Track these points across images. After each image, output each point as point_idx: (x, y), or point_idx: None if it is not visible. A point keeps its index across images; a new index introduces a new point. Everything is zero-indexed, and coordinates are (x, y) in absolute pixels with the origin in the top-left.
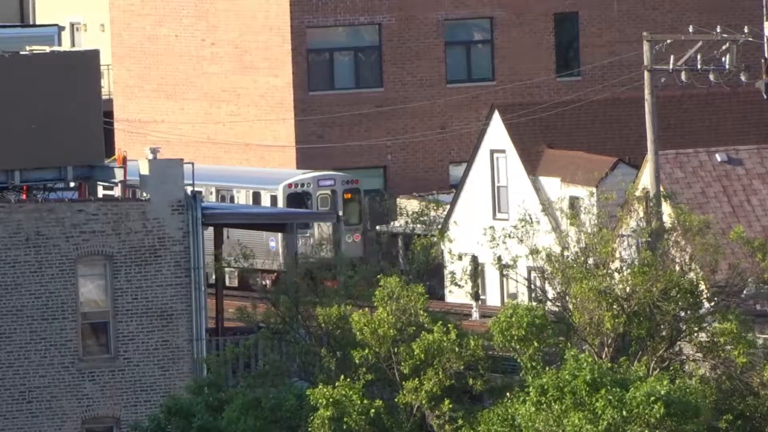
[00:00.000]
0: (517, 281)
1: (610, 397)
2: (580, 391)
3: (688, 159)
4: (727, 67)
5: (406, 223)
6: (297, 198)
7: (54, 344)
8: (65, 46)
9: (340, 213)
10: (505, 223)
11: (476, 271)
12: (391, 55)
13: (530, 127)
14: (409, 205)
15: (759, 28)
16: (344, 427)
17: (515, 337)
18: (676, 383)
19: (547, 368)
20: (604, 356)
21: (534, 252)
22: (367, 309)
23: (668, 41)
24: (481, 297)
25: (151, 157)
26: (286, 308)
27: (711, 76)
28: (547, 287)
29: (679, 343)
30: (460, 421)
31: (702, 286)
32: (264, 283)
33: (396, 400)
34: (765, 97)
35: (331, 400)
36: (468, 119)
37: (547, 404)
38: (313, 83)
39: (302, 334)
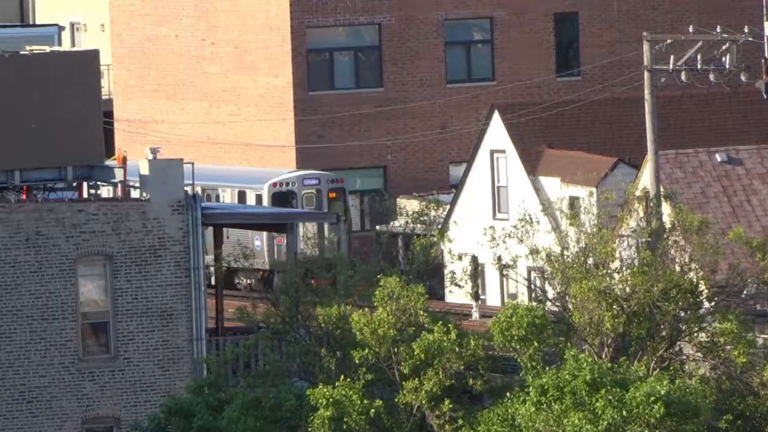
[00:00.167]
0: (517, 281)
1: (610, 397)
2: (580, 391)
3: (688, 159)
4: (727, 67)
5: (406, 223)
6: (282, 197)
7: (54, 344)
8: (65, 46)
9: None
10: (505, 223)
11: (476, 271)
12: (391, 55)
13: (530, 127)
14: (409, 205)
15: (759, 28)
16: (344, 427)
17: (515, 337)
18: (676, 383)
19: (547, 368)
20: (604, 356)
21: (534, 252)
22: (367, 309)
23: (668, 41)
24: (481, 297)
25: (151, 157)
26: (286, 308)
27: (711, 76)
28: (547, 287)
29: (679, 343)
30: (460, 421)
31: (702, 286)
32: (249, 282)
33: (396, 400)
34: (765, 97)
35: (331, 400)
36: (468, 119)
37: (547, 404)
38: (313, 83)
39: (302, 334)
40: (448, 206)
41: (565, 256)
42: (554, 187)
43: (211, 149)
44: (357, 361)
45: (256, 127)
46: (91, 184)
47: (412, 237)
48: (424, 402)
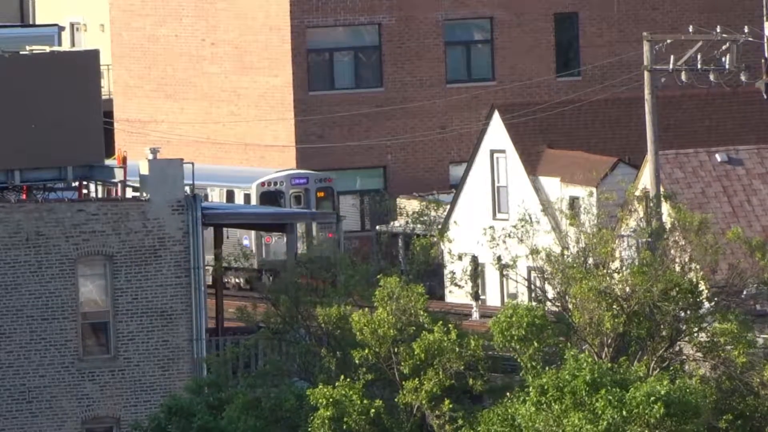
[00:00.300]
0: (517, 281)
1: (610, 397)
2: (580, 391)
3: (688, 159)
4: (727, 67)
5: (406, 223)
6: (270, 196)
7: (54, 344)
8: (65, 46)
9: (313, 211)
10: (505, 223)
11: (476, 271)
12: (391, 55)
13: (530, 127)
14: (409, 205)
15: (759, 28)
16: (344, 427)
17: (515, 337)
18: (676, 383)
19: (547, 368)
20: (604, 356)
21: (534, 252)
22: (367, 309)
23: (668, 41)
24: (481, 297)
25: (151, 157)
26: (286, 308)
27: (711, 76)
28: (547, 287)
29: (679, 343)
30: (460, 421)
31: (702, 286)
32: (237, 281)
33: (396, 400)
34: (765, 97)
35: (331, 400)
36: (468, 119)
37: (547, 404)
38: (313, 83)
39: (302, 334)
40: (448, 206)
41: (565, 256)
42: (554, 187)
43: (211, 149)
44: (357, 361)
45: (256, 127)
46: (84, 183)
47: (412, 237)
48: (424, 402)
